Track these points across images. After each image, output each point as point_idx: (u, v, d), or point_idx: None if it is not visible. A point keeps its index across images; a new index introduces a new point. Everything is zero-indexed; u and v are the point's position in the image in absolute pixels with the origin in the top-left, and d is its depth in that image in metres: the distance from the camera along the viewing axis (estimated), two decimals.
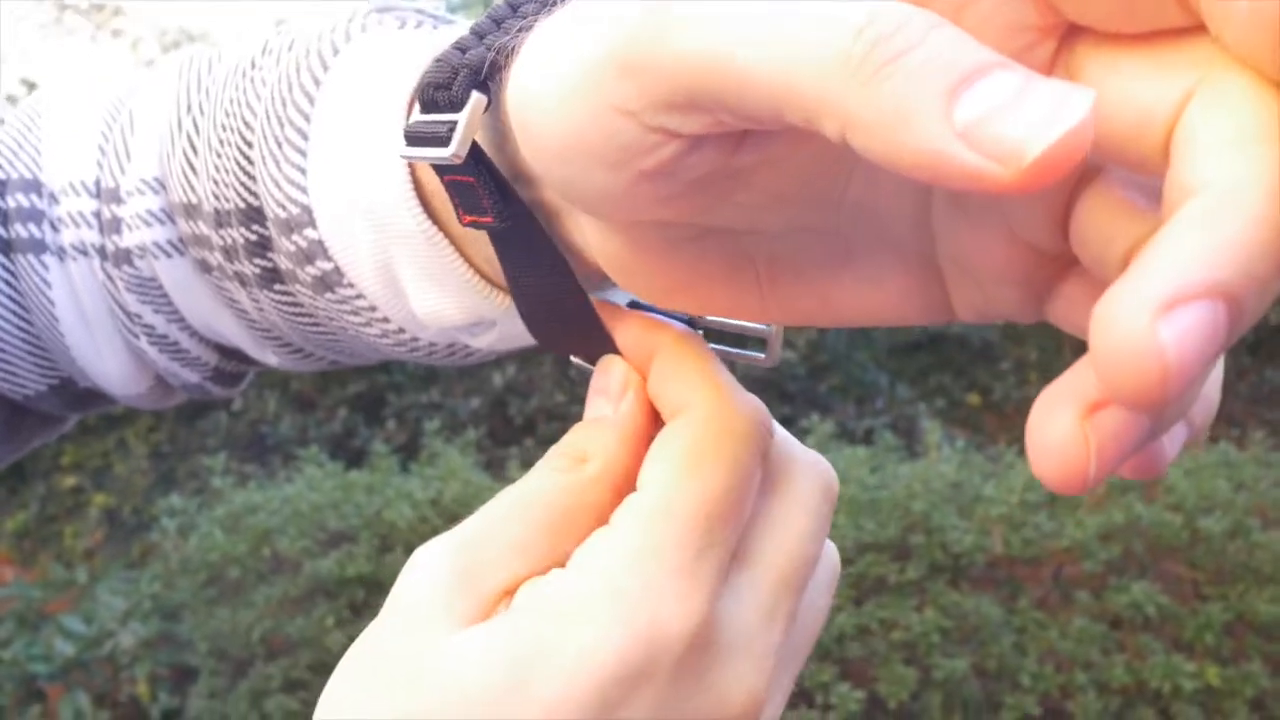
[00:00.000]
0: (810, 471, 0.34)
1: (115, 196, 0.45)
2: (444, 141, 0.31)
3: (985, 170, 0.20)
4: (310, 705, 2.44)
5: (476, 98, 0.31)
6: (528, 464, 3.08)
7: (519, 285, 0.35)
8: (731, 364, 0.35)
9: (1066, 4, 0.23)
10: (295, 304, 0.42)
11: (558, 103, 0.27)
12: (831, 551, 0.36)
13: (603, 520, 0.32)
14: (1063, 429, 0.22)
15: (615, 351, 0.35)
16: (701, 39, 0.23)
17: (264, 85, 0.40)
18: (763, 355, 0.36)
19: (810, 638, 0.35)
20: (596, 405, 0.35)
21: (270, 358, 0.47)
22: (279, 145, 0.38)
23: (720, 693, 0.31)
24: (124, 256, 0.45)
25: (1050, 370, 3.82)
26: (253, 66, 0.41)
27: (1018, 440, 3.48)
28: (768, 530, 0.33)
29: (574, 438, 0.34)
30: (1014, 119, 0.20)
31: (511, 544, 0.32)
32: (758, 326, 0.36)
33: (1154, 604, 2.31)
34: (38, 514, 3.82)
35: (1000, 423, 3.84)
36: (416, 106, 0.33)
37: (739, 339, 0.36)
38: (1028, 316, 0.29)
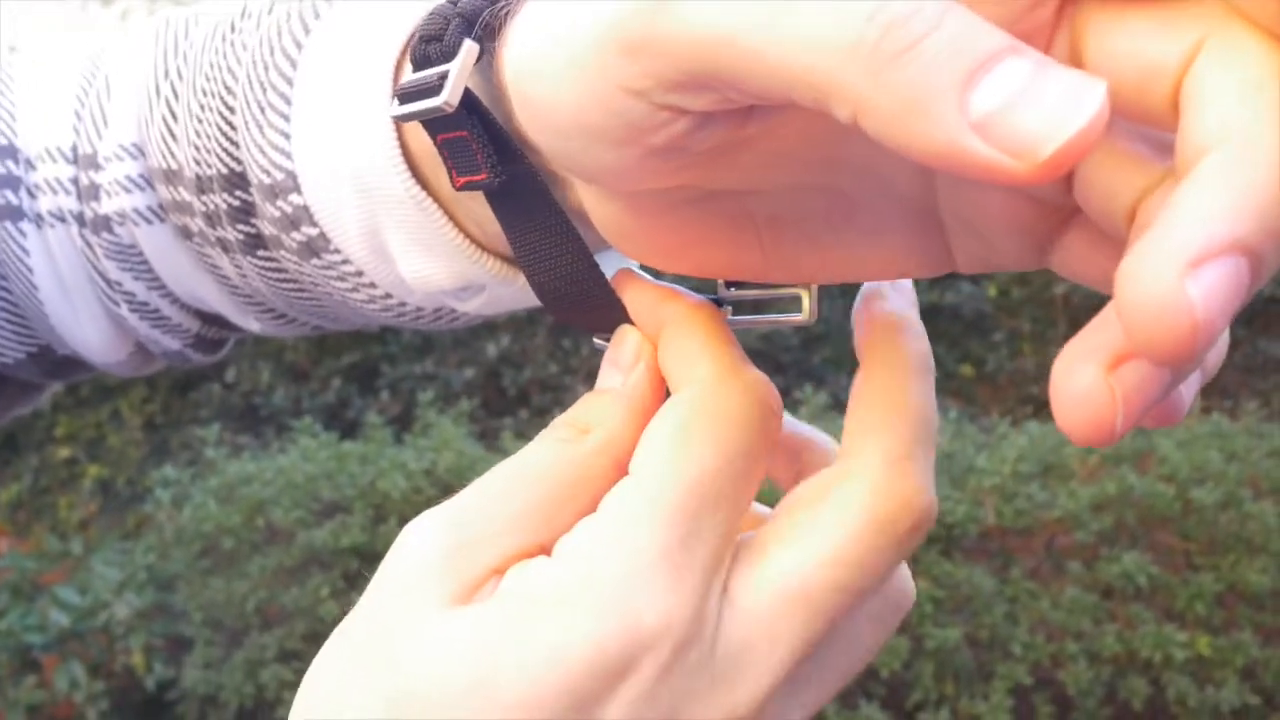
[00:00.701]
0: (878, 492, 0.30)
1: (93, 162, 0.44)
2: (435, 92, 0.30)
3: (1000, 163, 0.20)
4: (304, 674, 2.45)
5: (469, 45, 0.30)
6: (521, 434, 3.08)
7: (522, 249, 0.33)
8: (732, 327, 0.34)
9: None
10: (279, 270, 0.41)
11: (559, 80, 0.26)
12: (898, 581, 0.33)
13: (602, 493, 0.31)
14: (1088, 383, 0.22)
15: (628, 318, 0.34)
16: (705, 20, 0.23)
17: (244, 49, 0.39)
18: (800, 316, 0.34)
19: (842, 675, 0.32)
20: (607, 376, 0.33)
21: (253, 324, 0.46)
22: (261, 110, 0.38)
23: (705, 703, 0.28)
24: (103, 223, 0.44)
25: (1043, 341, 3.82)
26: (232, 30, 0.40)
27: (1011, 411, 3.49)
28: (793, 537, 0.29)
29: (579, 409, 0.33)
30: (1029, 112, 0.20)
31: (506, 518, 0.30)
32: (789, 287, 0.34)
33: (1145, 574, 2.32)
34: (31, 485, 3.82)
35: (993, 394, 3.84)
36: (408, 67, 0.32)
37: (766, 305, 0.35)
38: (1029, 265, 0.29)
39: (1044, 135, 0.20)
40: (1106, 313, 0.22)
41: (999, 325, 3.88)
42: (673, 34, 0.23)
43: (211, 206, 0.40)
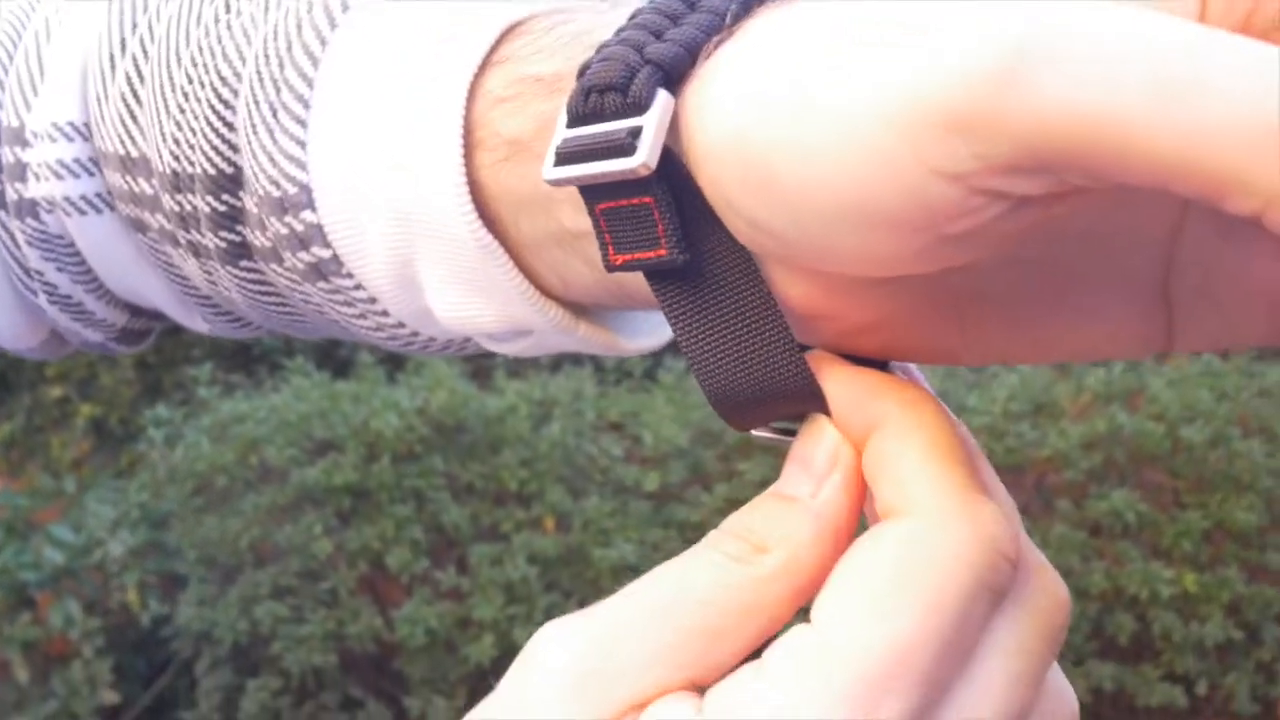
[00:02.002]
0: (1034, 589, 0.26)
1: (19, 138, 0.39)
2: (622, 151, 0.25)
3: None
4: (298, 611, 2.47)
5: (665, 97, 0.25)
6: (514, 374, 3.05)
7: (700, 339, 0.28)
8: None
9: None
10: (263, 283, 0.37)
11: (830, 156, 0.22)
12: (1061, 695, 0.27)
13: (773, 625, 0.26)
14: None
15: (824, 410, 0.28)
16: (1078, 98, 0.19)
17: (246, 39, 0.34)
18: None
19: None
20: (793, 479, 0.27)
21: (200, 324, 0.42)
22: (274, 113, 0.33)
23: None
24: (28, 208, 0.39)
25: None
26: (227, 10, 0.35)
27: None
28: (965, 673, 0.25)
29: (756, 519, 0.27)
30: None
31: (657, 647, 0.25)
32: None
33: (1134, 512, 2.33)
34: (24, 424, 3.82)
35: None
36: (561, 119, 0.27)
37: None
38: (1262, 342, 0.27)
39: None
40: None
41: None
42: (1030, 112, 0.20)
43: (188, 208, 0.36)
